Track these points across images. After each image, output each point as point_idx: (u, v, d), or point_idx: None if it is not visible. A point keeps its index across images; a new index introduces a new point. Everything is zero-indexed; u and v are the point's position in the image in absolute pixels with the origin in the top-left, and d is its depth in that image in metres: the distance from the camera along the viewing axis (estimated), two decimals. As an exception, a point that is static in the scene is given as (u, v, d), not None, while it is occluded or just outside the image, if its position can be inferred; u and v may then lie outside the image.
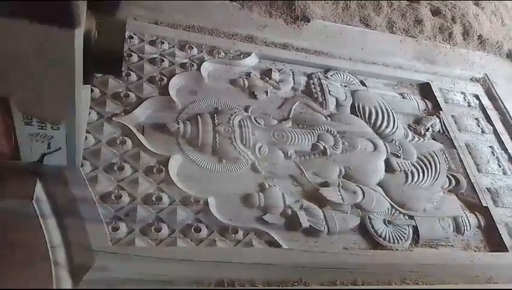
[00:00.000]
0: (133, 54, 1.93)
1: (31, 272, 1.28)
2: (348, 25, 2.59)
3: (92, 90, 1.72)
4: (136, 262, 1.37)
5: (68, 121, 1.22)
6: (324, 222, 1.70)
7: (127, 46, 1.95)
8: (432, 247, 1.82)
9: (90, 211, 1.43)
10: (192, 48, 2.07)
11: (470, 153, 2.22)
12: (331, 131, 2.02)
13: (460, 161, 2.17)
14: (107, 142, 1.62)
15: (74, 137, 1.28)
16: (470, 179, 2.10)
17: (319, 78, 2.22)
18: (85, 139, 1.58)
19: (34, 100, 1.13)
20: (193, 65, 2.00)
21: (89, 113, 1.62)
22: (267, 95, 2.05)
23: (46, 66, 1.03)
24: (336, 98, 2.18)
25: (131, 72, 1.86)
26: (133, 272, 1.35)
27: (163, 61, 1.96)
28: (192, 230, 1.50)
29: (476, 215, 1.97)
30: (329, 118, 2.09)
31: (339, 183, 1.85)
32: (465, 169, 2.14)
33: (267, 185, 1.73)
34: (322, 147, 1.93)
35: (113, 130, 1.66)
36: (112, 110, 1.72)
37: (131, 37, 1.99)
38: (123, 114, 1.72)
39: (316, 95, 2.15)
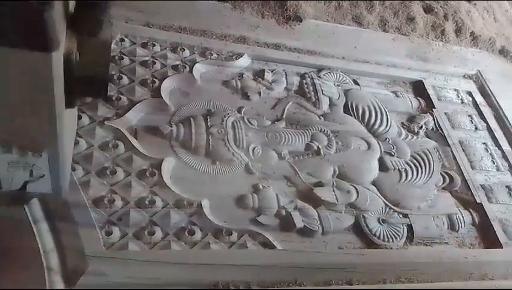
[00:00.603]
0: (124, 56, 1.93)
1: (24, 277, 1.27)
2: (340, 24, 2.59)
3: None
4: (129, 266, 1.37)
5: (50, 148, 1.13)
6: (318, 222, 1.70)
7: (118, 49, 1.95)
8: (426, 245, 1.82)
9: (83, 215, 1.42)
10: (184, 49, 2.07)
11: (463, 150, 2.23)
12: (324, 131, 2.02)
13: (454, 158, 2.18)
14: (99, 146, 1.62)
15: (58, 164, 1.20)
16: (463, 176, 2.11)
17: (312, 78, 2.23)
18: (77, 144, 1.58)
19: (11, 128, 1.05)
20: (185, 67, 2.00)
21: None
22: (260, 95, 2.05)
23: (23, 92, 0.95)
24: (329, 98, 2.18)
25: (123, 75, 1.86)
26: (127, 276, 1.35)
27: (155, 63, 1.96)
28: (186, 233, 1.50)
29: (470, 212, 1.98)
30: (322, 118, 2.09)
31: (333, 183, 1.85)
32: (459, 166, 2.14)
33: (261, 186, 1.73)
34: (315, 147, 1.93)
35: (105, 134, 1.66)
36: (104, 113, 1.71)
37: (122, 40, 1.99)
38: (115, 117, 1.71)
39: (309, 95, 2.15)
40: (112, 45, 1.92)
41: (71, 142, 1.43)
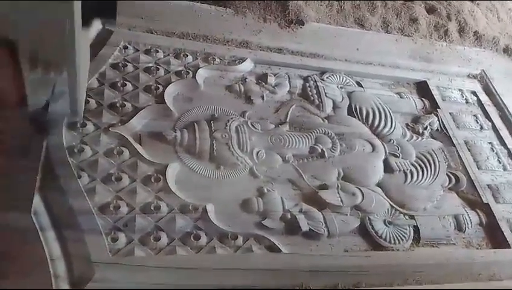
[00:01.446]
0: (128, 63, 1.94)
1: (31, 285, 1.28)
2: (342, 26, 2.60)
3: (88, 101, 1.73)
4: (136, 272, 1.37)
5: (70, 64, 1.30)
6: (324, 225, 1.70)
7: (122, 56, 1.97)
8: (433, 246, 1.81)
9: (89, 222, 1.43)
10: (187, 55, 2.08)
11: (469, 150, 2.22)
12: (328, 133, 2.02)
13: (460, 158, 2.17)
14: (104, 153, 1.63)
15: (76, 82, 1.38)
16: (470, 176, 2.10)
17: (315, 81, 2.23)
18: (82, 151, 1.59)
19: (38, 43, 1.22)
20: (188, 73, 2.01)
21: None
22: (263, 99, 2.06)
23: (47, 8, 1.12)
24: (333, 100, 2.18)
25: (127, 82, 1.87)
26: (133, 282, 1.35)
27: (158, 69, 1.97)
28: (191, 238, 1.50)
29: (477, 212, 1.97)
30: (326, 120, 2.09)
31: (338, 186, 1.85)
32: (465, 166, 2.13)
33: (265, 189, 1.73)
34: (319, 150, 1.93)
35: (110, 141, 1.67)
36: (109, 120, 1.72)
37: (126, 47, 2.00)
38: (120, 124, 1.72)
39: (312, 98, 2.15)
40: (116, 52, 1.96)
41: (85, 72, 1.56)
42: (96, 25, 1.99)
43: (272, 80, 2.15)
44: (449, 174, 2.09)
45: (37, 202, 1.42)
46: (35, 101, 1.44)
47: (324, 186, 1.83)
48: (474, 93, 2.57)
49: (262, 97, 2.06)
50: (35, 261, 1.33)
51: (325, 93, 2.18)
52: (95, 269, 1.34)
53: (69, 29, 1.19)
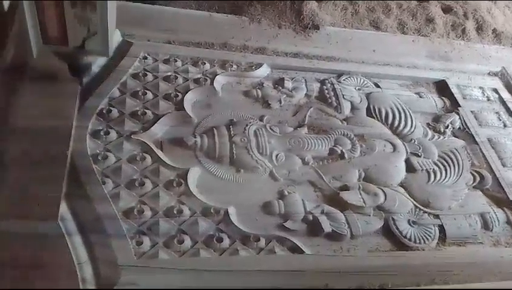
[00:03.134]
0: (148, 73, 1.99)
1: (60, 289, 1.31)
2: (358, 29, 2.60)
3: (110, 110, 1.78)
4: (160, 274, 1.39)
5: (100, 2, 1.58)
6: (347, 226, 1.69)
7: (142, 66, 2.02)
8: (459, 245, 1.78)
9: (114, 227, 1.46)
10: (205, 63, 2.12)
11: (493, 148, 2.18)
12: (347, 134, 2.01)
13: (484, 156, 2.13)
14: (127, 159, 1.66)
15: (106, 19, 1.63)
16: (494, 174, 2.05)
17: (332, 84, 2.23)
18: (106, 158, 1.63)
19: None
20: (206, 80, 2.04)
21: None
22: (281, 103, 2.07)
23: None
24: (351, 102, 2.18)
25: (147, 91, 1.92)
26: (158, 284, 1.37)
27: (177, 78, 2.01)
28: (214, 240, 1.51)
29: (504, 210, 1.92)
30: (345, 122, 2.09)
31: (359, 186, 1.83)
32: (489, 164, 2.09)
33: (286, 192, 1.74)
34: (339, 151, 1.93)
35: (133, 148, 1.70)
36: (131, 128, 1.76)
37: (145, 58, 2.05)
38: (141, 131, 1.76)
39: (330, 100, 2.15)
40: (136, 63, 2.01)
41: (113, 12, 1.79)
42: (117, 38, 2.05)
43: (288, 84, 2.16)
44: (473, 172, 2.05)
45: (64, 208, 1.46)
46: (74, 38, 1.66)
47: (345, 188, 1.82)
48: (495, 90, 2.52)
49: (280, 101, 2.07)
50: (63, 266, 1.36)
51: (343, 95, 2.18)
52: (121, 272, 1.36)
53: None
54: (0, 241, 1.34)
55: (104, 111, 1.77)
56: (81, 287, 1.32)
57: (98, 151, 1.65)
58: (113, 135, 1.72)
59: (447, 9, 2.89)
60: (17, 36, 1.69)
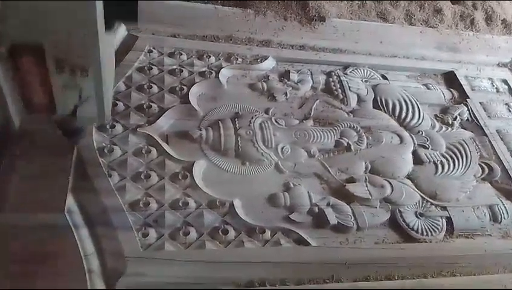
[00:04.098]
0: (153, 67, 1.99)
1: (67, 280, 1.32)
2: (364, 21, 2.58)
3: (116, 104, 1.78)
4: (166, 266, 1.40)
5: (94, 66, 1.30)
6: (353, 218, 1.68)
7: (147, 60, 2.02)
8: (468, 237, 1.76)
9: (120, 219, 1.47)
10: (210, 56, 2.11)
11: (502, 139, 2.15)
12: (354, 127, 2.00)
13: (492, 147, 2.10)
14: (133, 152, 1.67)
15: (101, 85, 1.37)
16: (504, 165, 2.03)
17: (338, 76, 2.22)
18: (112, 151, 1.64)
19: (63, 45, 1.23)
20: (212, 73, 2.04)
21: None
22: (286, 96, 2.06)
23: (71, 10, 1.14)
24: (357, 94, 2.16)
25: (153, 84, 1.92)
26: (164, 275, 1.38)
27: (182, 71, 2.01)
28: (219, 232, 1.52)
29: (513, 202, 1.90)
30: (351, 114, 2.07)
31: (366, 178, 1.82)
32: (498, 156, 2.07)
33: (291, 184, 1.73)
34: (345, 143, 1.92)
35: (138, 141, 1.71)
36: (136, 121, 1.77)
37: (150, 51, 2.06)
38: (147, 125, 1.76)
39: (336, 93, 2.14)
40: (141, 56, 2.01)
41: (111, 76, 1.56)
42: (122, 32, 2.05)
43: (294, 76, 2.15)
44: (482, 164, 2.02)
45: (70, 201, 1.47)
46: (63, 106, 1.42)
47: (351, 180, 1.81)
48: (505, 81, 2.49)
49: (286, 94, 2.07)
50: (70, 258, 1.37)
51: (349, 87, 2.17)
52: (127, 263, 1.37)
53: (92, 31, 1.21)
54: (9, 233, 1.36)
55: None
56: (87, 278, 1.33)
57: (104, 144, 1.66)
58: (119, 128, 1.73)
59: (455, 0, 2.85)
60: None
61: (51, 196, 1.44)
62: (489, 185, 1.96)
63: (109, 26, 1.28)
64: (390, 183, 1.82)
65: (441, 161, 1.98)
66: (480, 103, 2.31)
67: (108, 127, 1.71)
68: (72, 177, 1.52)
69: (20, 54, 1.27)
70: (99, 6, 1.17)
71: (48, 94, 1.37)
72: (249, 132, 1.83)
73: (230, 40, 2.23)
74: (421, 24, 2.68)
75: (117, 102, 1.80)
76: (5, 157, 1.48)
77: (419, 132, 2.08)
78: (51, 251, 1.36)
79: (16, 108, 1.43)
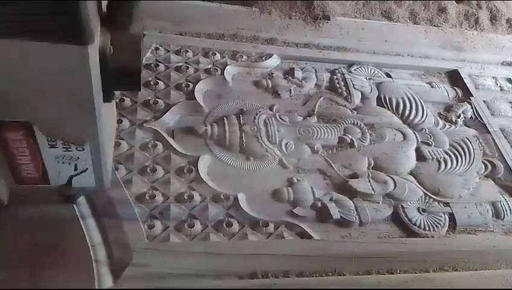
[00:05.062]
0: (159, 64, 2.03)
1: (75, 270, 1.36)
2: (369, 19, 2.60)
3: (123, 100, 1.82)
4: (171, 257, 1.42)
5: (92, 140, 1.18)
6: (355, 213, 1.70)
7: (154, 57, 2.05)
8: (470, 233, 1.77)
9: (126, 211, 1.50)
10: (215, 54, 2.14)
11: (505, 137, 2.16)
12: (357, 123, 2.02)
13: (496, 145, 2.11)
14: (139, 146, 1.70)
15: (100, 157, 1.24)
16: (507, 163, 2.03)
17: (343, 74, 2.24)
18: (119, 145, 1.67)
19: (56, 122, 1.11)
20: (217, 70, 2.07)
21: (117, 127, 1.68)
22: (290, 93, 2.09)
23: (64, 86, 1.01)
24: (361, 92, 2.18)
25: (159, 81, 1.95)
26: (169, 266, 1.40)
27: (188, 68, 2.04)
28: (224, 225, 1.54)
29: (516, 199, 1.91)
30: (355, 112, 2.09)
31: (369, 175, 1.84)
32: (501, 153, 2.07)
33: (295, 179, 1.75)
34: (349, 140, 1.93)
35: (145, 136, 1.74)
36: (143, 117, 1.80)
37: (157, 49, 2.09)
38: (153, 120, 1.80)
39: (340, 90, 2.16)
40: (148, 54, 2.05)
41: (111, 140, 1.47)
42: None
43: (298, 74, 2.17)
44: (485, 161, 2.03)
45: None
46: (56, 178, 1.30)
47: (355, 176, 1.83)
48: (509, 80, 2.49)
49: (290, 91, 2.09)
50: (77, 248, 1.40)
51: (353, 85, 2.18)
52: (133, 254, 1.40)
53: (88, 108, 1.07)
54: (19, 225, 1.39)
55: (117, 100, 1.81)
56: (94, 267, 1.36)
57: (111, 138, 1.69)
58: (125, 123, 1.76)
59: (460, -1, 2.86)
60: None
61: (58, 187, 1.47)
62: (492, 182, 1.97)
63: (109, 96, 1.17)
64: (393, 179, 1.84)
65: (444, 157, 2.00)
66: (484, 101, 2.32)
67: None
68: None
69: (7, 129, 1.13)
70: (96, 76, 1.04)
71: (40, 166, 1.25)
72: (254, 128, 1.85)
73: (236, 38, 2.26)
74: (426, 23, 2.69)
75: (124, 98, 1.83)
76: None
77: (422, 129, 2.10)
78: (59, 241, 1.39)
79: (2, 182, 1.30)
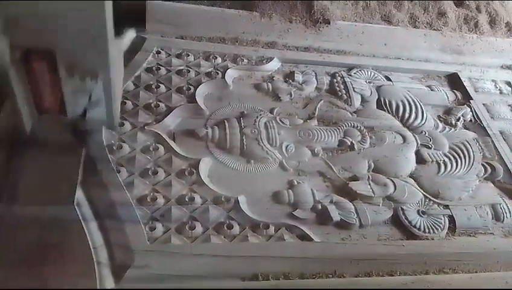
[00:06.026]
0: (161, 67, 2.04)
1: (76, 271, 1.36)
2: (369, 23, 2.61)
3: (125, 103, 1.83)
4: (172, 259, 1.43)
5: (104, 72, 1.37)
6: (355, 215, 1.70)
7: (155, 61, 2.07)
8: (470, 235, 1.77)
9: (128, 213, 1.51)
10: (216, 57, 2.16)
11: (505, 140, 2.17)
12: (357, 126, 2.03)
13: (495, 148, 2.12)
14: (141, 149, 1.72)
15: (110, 90, 1.43)
16: (506, 165, 2.04)
17: (343, 77, 2.25)
18: (121, 148, 1.68)
19: (74, 53, 1.29)
20: (218, 73, 2.09)
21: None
22: (291, 96, 2.10)
23: (81, 20, 1.20)
24: (361, 95, 2.20)
25: (160, 84, 1.97)
26: (170, 268, 1.41)
27: (189, 72, 2.06)
28: (224, 227, 1.55)
29: (515, 202, 1.91)
30: (355, 114, 2.11)
31: (369, 177, 1.85)
32: (501, 156, 2.08)
33: (295, 182, 1.76)
34: (349, 143, 1.95)
35: (146, 138, 1.76)
36: (144, 120, 1.82)
37: (158, 52, 2.11)
38: (155, 123, 1.81)
39: (340, 93, 2.17)
40: (149, 57, 2.07)
41: (120, 74, 1.63)
42: (131, 34, 2.11)
43: (299, 77, 2.19)
44: (484, 164, 2.04)
45: (80, 195, 1.51)
46: (73, 109, 1.50)
47: (355, 178, 1.84)
48: (508, 83, 2.51)
49: (290, 94, 2.10)
50: (79, 250, 1.41)
51: (353, 88, 2.20)
52: (134, 256, 1.41)
53: (102, 37, 1.26)
54: (21, 226, 1.41)
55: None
56: (96, 269, 1.37)
57: (113, 141, 1.70)
58: (127, 126, 1.77)
59: (459, 3, 2.88)
60: (10, 106, 1.48)
61: (60, 189, 1.49)
62: (492, 184, 1.98)
63: (118, 31, 1.34)
64: (393, 181, 1.85)
65: (444, 160, 2.01)
66: (483, 104, 2.33)
67: (117, 125, 1.75)
68: (81, 172, 1.56)
69: (33, 59, 1.32)
70: (109, 13, 1.21)
71: (59, 97, 1.45)
72: (254, 131, 1.87)
73: (236, 41, 2.28)
74: (425, 27, 2.71)
75: (126, 101, 1.85)
76: (17, 156, 1.53)
77: (422, 132, 2.11)
78: (61, 243, 1.40)
79: (27, 110, 1.48)
